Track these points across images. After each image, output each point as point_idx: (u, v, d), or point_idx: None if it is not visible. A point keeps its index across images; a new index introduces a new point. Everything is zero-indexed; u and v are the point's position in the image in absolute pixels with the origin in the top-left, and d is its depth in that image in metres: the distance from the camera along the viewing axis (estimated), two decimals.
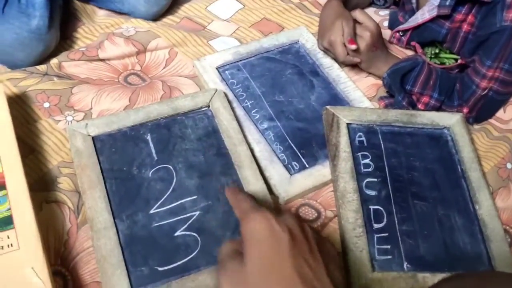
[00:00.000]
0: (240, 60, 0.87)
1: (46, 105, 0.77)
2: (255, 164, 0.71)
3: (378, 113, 0.79)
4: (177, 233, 0.64)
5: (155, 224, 0.65)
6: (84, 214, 0.65)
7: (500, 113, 0.87)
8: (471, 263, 0.67)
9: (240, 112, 0.79)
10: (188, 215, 0.66)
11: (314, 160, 0.76)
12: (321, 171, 0.74)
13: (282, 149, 0.77)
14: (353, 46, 0.81)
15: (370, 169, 0.73)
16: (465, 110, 0.83)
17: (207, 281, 0.60)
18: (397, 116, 0.79)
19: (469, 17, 0.83)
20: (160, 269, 0.61)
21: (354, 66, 0.88)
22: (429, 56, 0.91)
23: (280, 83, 0.85)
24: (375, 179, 0.72)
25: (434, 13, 0.84)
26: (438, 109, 0.85)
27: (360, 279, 0.62)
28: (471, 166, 0.76)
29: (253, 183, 0.69)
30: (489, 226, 0.70)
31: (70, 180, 0.69)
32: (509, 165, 0.81)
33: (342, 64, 0.87)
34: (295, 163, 0.75)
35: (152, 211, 0.66)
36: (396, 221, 0.69)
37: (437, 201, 0.72)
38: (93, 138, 0.71)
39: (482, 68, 0.80)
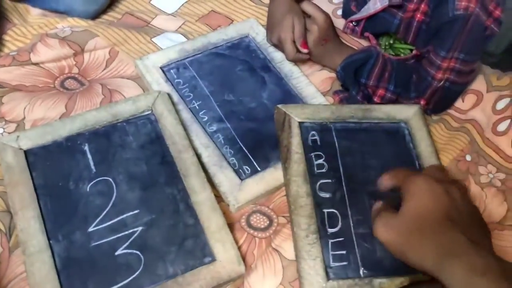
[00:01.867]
0: (186, 58, 0.82)
1: None
2: (202, 171, 0.67)
3: (332, 110, 0.75)
4: (118, 252, 0.60)
5: (94, 244, 0.60)
6: (17, 237, 0.60)
7: (459, 103, 0.85)
8: None
9: (186, 114, 0.75)
10: (130, 231, 0.61)
11: (267, 162, 0.72)
12: (273, 174, 0.71)
13: (232, 152, 0.72)
14: (305, 50, 0.79)
15: (324, 170, 0.69)
16: (422, 102, 0.80)
17: None
18: (351, 112, 0.76)
19: (422, 6, 0.79)
20: None
21: (308, 59, 0.84)
22: (384, 47, 0.87)
23: (230, 81, 0.81)
24: (329, 180, 0.69)
25: (386, 3, 0.81)
26: (394, 101, 0.82)
27: None
28: (429, 161, 0.73)
29: (199, 193, 0.65)
30: None
31: (1, 200, 0.63)
32: (468, 157, 0.79)
33: (292, 61, 0.83)
34: (247, 167, 0.71)
35: (90, 229, 0.61)
36: (352, 224, 0.66)
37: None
38: (25, 152, 0.65)
39: (436, 59, 0.77)
